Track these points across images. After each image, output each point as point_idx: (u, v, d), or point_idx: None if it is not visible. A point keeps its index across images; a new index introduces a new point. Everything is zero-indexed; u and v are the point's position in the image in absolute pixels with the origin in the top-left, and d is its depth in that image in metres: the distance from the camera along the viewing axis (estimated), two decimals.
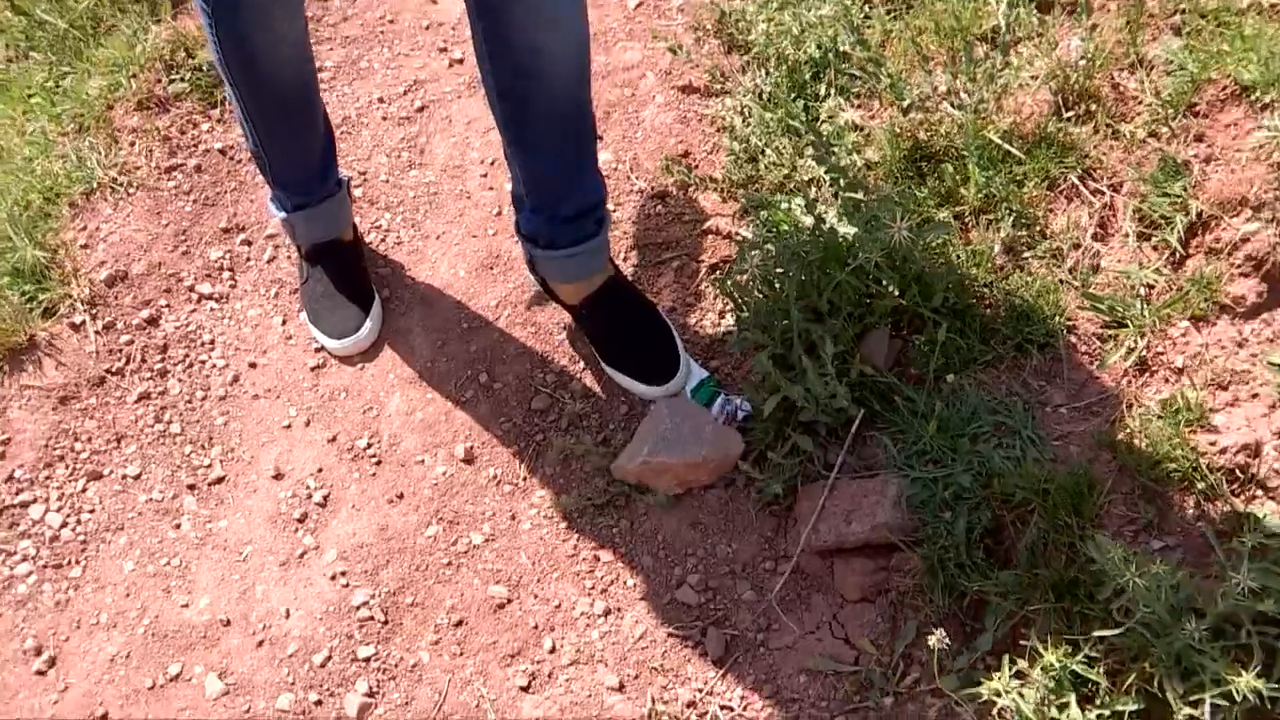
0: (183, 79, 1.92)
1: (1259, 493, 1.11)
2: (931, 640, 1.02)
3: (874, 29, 1.65)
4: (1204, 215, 1.28)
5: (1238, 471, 1.12)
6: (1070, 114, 1.46)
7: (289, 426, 1.46)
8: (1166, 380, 1.23)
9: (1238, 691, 0.94)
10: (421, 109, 1.79)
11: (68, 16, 2.17)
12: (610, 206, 1.56)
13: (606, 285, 1.42)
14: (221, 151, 1.81)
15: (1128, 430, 1.18)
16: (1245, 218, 1.25)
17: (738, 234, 1.52)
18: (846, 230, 1.28)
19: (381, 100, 1.81)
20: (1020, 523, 1.17)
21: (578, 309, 1.44)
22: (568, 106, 1.24)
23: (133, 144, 1.85)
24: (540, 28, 1.13)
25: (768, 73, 1.61)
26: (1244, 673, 0.94)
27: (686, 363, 1.42)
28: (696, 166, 1.63)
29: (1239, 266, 1.24)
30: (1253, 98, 1.33)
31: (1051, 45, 1.51)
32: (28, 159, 1.95)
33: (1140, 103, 1.44)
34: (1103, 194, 1.39)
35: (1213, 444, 1.14)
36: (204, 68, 1.92)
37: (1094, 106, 1.46)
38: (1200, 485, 1.13)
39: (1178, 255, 1.29)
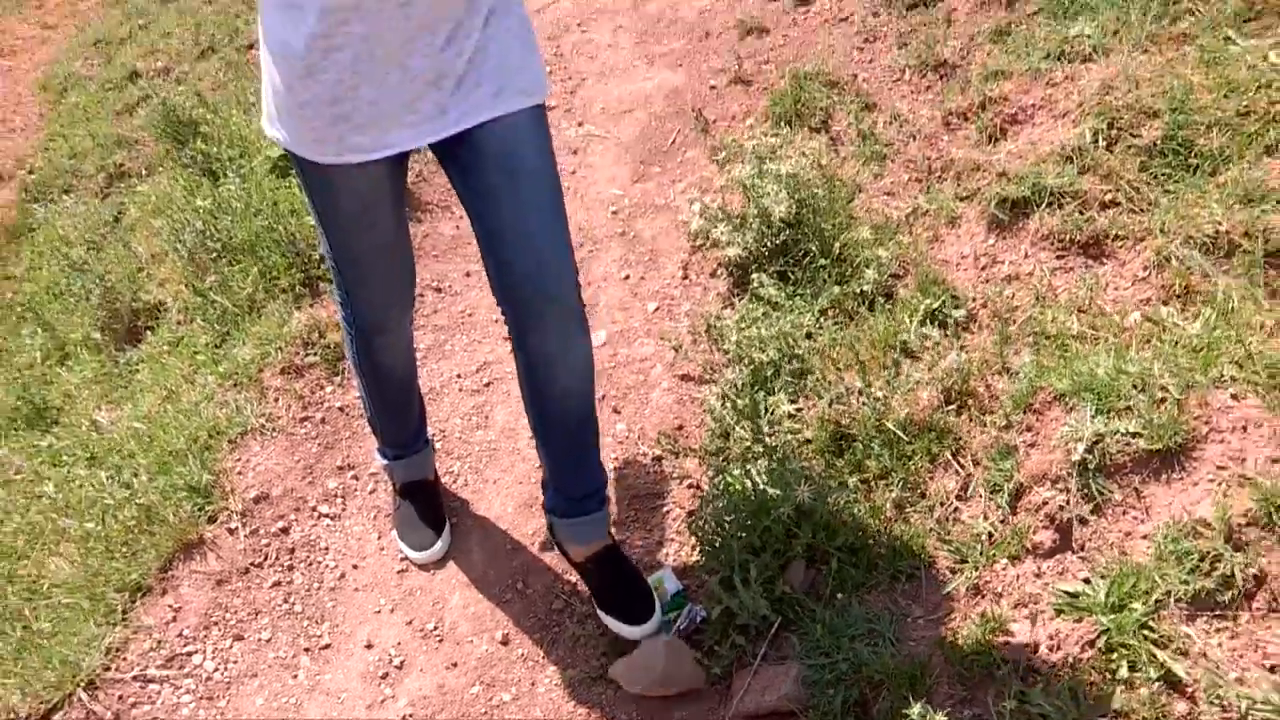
0: (315, 353, 2.80)
1: (1035, 676, 1.75)
2: None
3: (824, 336, 2.45)
4: (1023, 485, 1.99)
5: (999, 662, 1.77)
6: (951, 406, 2.21)
7: (379, 612, 2.21)
8: (990, 601, 1.90)
9: None
10: (488, 384, 2.63)
11: (232, 299, 3.11)
12: (610, 489, 2.31)
13: (604, 550, 2.11)
14: (340, 409, 2.66)
15: (956, 635, 1.85)
16: (1047, 487, 1.95)
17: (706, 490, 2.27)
18: (772, 491, 2.02)
19: (459, 376, 2.67)
20: (877, 697, 1.82)
21: (581, 565, 2.14)
22: (578, 424, 2.00)
23: (276, 399, 2.71)
24: (562, 373, 1.90)
25: (741, 370, 2.41)
26: None
27: (660, 612, 2.07)
28: (687, 438, 2.41)
29: (1041, 522, 1.93)
30: (1065, 401, 2.06)
31: (940, 357, 2.28)
32: (195, 404, 2.83)
33: (1002, 400, 2.18)
34: (966, 467, 2.11)
35: (1007, 644, 1.79)
36: (331, 345, 2.80)
37: (970, 401, 2.21)
38: (999, 673, 1.78)
39: (1006, 513, 1.99)
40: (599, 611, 2.11)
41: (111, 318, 3.60)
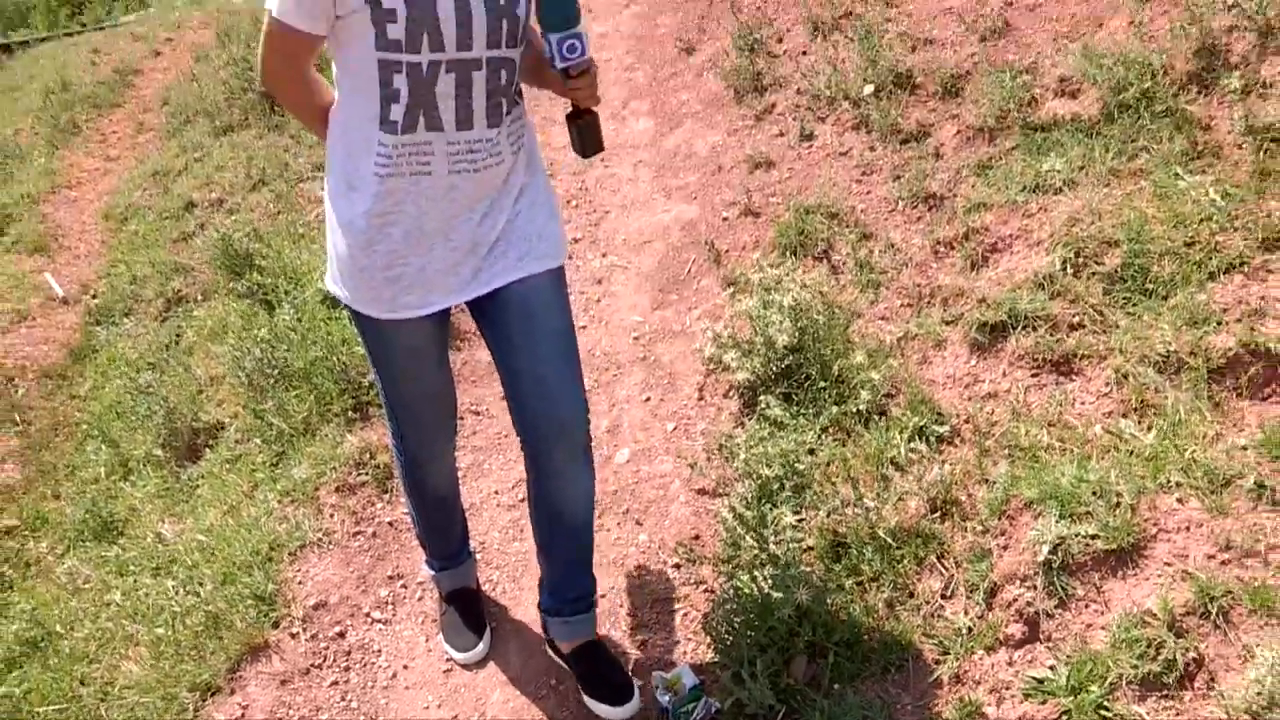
0: (367, 473, 3.15)
1: None
2: None
3: (824, 452, 2.77)
4: (997, 584, 2.28)
5: None
6: (936, 514, 2.51)
7: (428, 708, 2.51)
8: (969, 687, 2.18)
9: None
10: (523, 500, 2.96)
11: (289, 421, 3.48)
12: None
13: (588, 644, 2.45)
14: (390, 524, 3.00)
15: (939, 719, 2.13)
16: (1017, 585, 2.24)
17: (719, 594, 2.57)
18: (776, 594, 2.32)
19: (496, 493, 3.00)
20: None
21: (568, 657, 2.46)
22: (577, 541, 2.34)
23: (332, 515, 3.06)
24: (568, 499, 2.25)
25: (749, 484, 2.72)
26: None
27: (636, 698, 2.37)
28: (702, 547, 2.72)
29: (1013, 616, 2.21)
30: (1034, 507, 2.36)
31: (926, 470, 2.59)
32: (256, 518, 3.17)
33: (980, 507, 2.48)
34: (949, 569, 2.40)
35: None
36: (380, 466, 3.15)
37: (953, 509, 2.51)
38: None
39: (982, 609, 2.28)
40: (584, 697, 2.42)
41: (172, 435, 3.97)
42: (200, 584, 2.93)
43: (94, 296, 5.76)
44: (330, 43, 1.88)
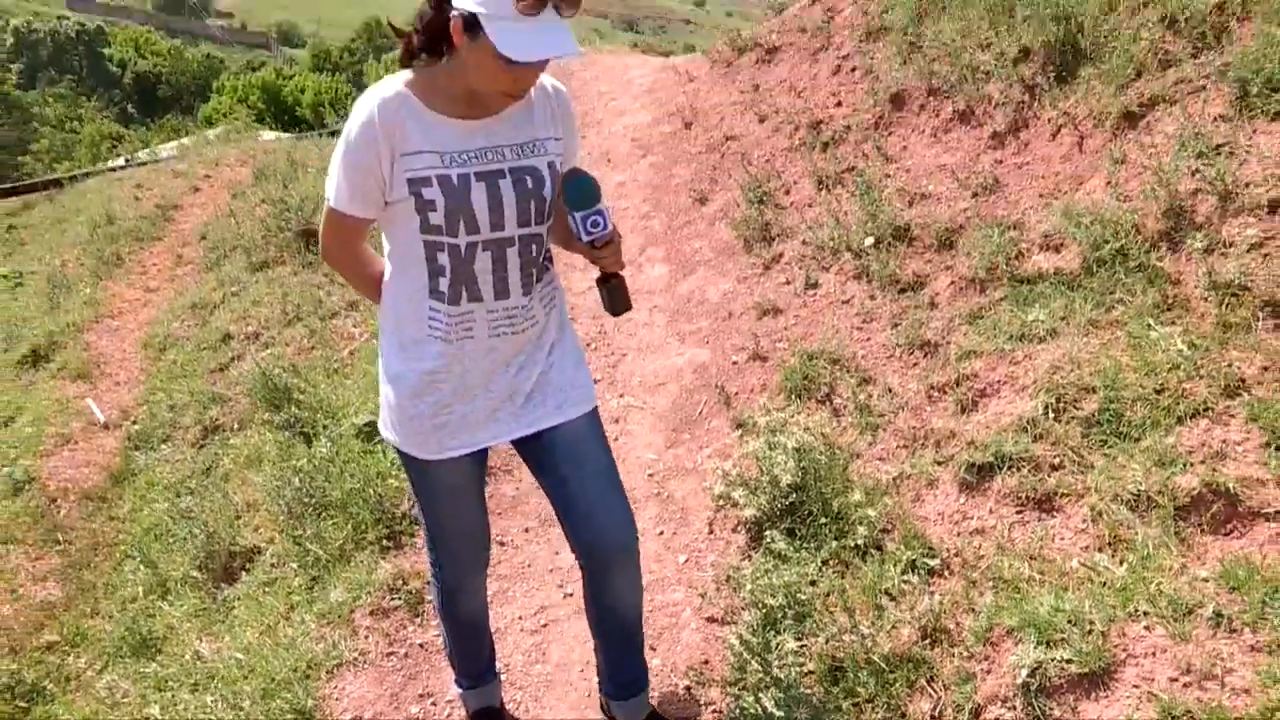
0: (400, 598, 3.41)
1: None
2: None
3: (824, 583, 3.03)
4: (981, 705, 2.52)
5: None
6: (926, 641, 2.75)
7: None
8: None
9: None
10: (545, 625, 3.21)
11: (325, 548, 3.75)
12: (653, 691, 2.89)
13: (648, 716, 2.71)
14: (421, 646, 3.25)
15: None
16: (999, 706, 2.47)
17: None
18: (778, 714, 2.56)
19: (520, 618, 3.26)
20: None
21: None
22: (631, 636, 2.62)
23: (366, 636, 3.31)
24: (623, 605, 2.53)
25: (755, 613, 2.98)
26: None
27: None
28: (711, 671, 2.96)
29: None
30: (1014, 635, 2.60)
31: (917, 600, 2.84)
32: (293, 638, 3.42)
33: (966, 634, 2.72)
34: (938, 692, 2.64)
35: None
36: (413, 591, 3.41)
37: (942, 636, 2.75)
38: None
39: None
40: None
41: (209, 558, 4.24)
42: (240, 699, 3.16)
43: (134, 423, 6.10)
44: (381, 223, 2.22)
